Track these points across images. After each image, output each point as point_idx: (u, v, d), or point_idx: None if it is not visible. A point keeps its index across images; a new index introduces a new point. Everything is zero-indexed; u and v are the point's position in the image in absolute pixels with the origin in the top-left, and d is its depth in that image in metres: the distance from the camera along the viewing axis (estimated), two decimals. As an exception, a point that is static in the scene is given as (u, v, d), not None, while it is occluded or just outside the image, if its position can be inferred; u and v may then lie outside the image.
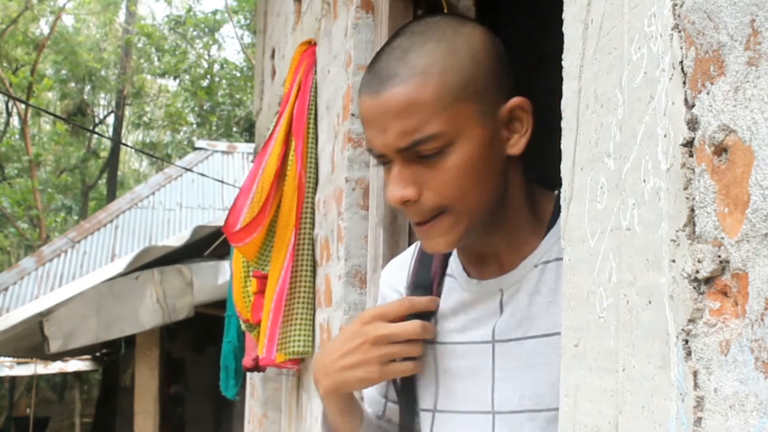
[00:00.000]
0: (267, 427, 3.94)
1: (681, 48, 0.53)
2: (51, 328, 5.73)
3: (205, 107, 18.75)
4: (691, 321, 0.50)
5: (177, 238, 6.58)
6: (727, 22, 0.49)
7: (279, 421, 3.71)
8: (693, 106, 0.51)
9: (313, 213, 2.61)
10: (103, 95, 21.53)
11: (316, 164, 2.63)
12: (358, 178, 2.16)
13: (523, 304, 1.02)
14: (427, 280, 1.13)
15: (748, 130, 0.47)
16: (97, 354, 11.02)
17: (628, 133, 0.60)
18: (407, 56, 0.96)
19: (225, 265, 5.81)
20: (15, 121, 20.17)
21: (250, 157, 8.49)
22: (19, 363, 11.02)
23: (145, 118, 20.20)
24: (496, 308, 1.04)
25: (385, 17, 2.02)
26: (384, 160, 0.99)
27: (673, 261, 0.52)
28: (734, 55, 0.48)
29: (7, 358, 10.52)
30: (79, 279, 7.85)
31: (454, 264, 1.11)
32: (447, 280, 1.11)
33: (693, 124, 0.51)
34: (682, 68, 0.53)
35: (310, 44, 2.82)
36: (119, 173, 21.35)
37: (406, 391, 1.14)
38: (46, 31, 19.55)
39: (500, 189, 0.99)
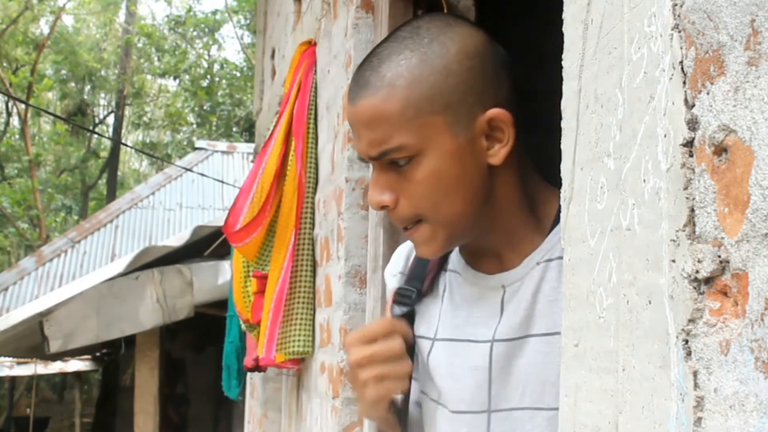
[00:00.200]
0: (267, 427, 3.94)
1: (681, 48, 0.53)
2: (51, 328, 5.73)
3: (205, 107, 18.75)
4: (691, 321, 0.50)
5: (177, 238, 6.58)
6: (727, 22, 0.49)
7: (279, 421, 3.71)
8: (693, 106, 0.52)
9: (313, 213, 2.61)
10: (103, 95, 21.53)
11: (316, 164, 2.63)
12: (358, 178, 2.16)
13: (525, 303, 1.01)
14: (423, 272, 1.13)
15: (748, 130, 0.47)
16: (97, 354, 11.02)
17: (628, 133, 0.60)
18: (381, 66, 0.96)
19: (225, 265, 5.81)
20: (15, 121, 20.18)
21: (250, 157, 8.49)
22: (19, 363, 11.02)
23: (145, 118, 20.20)
24: (497, 306, 1.04)
25: (385, 17, 2.02)
26: (369, 161, 1.00)
27: (673, 261, 0.52)
28: (734, 55, 0.48)
29: (7, 358, 10.52)
30: (79, 279, 7.85)
31: (456, 259, 1.11)
32: (449, 276, 1.11)
33: (693, 124, 0.51)
34: (682, 68, 0.53)
35: (310, 44, 2.81)
36: (119, 173, 21.35)
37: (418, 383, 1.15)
38: (46, 31, 19.55)
39: (481, 197, 0.98)
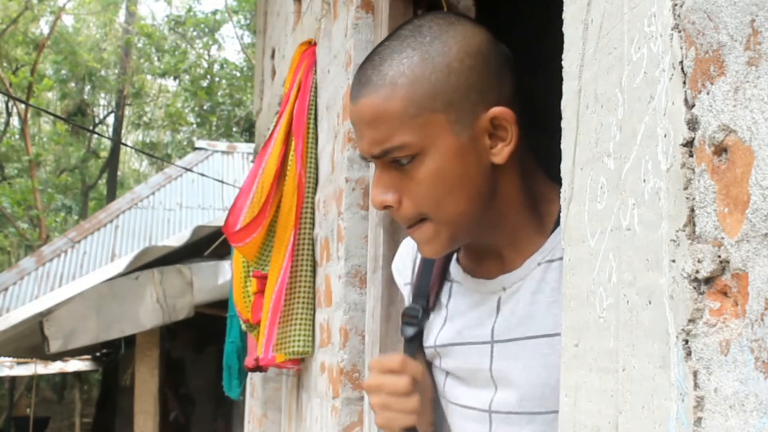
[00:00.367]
0: (267, 427, 3.94)
1: (681, 48, 0.53)
2: (51, 328, 5.73)
3: (205, 107, 18.75)
4: (691, 321, 0.50)
5: (177, 238, 6.57)
6: (727, 22, 0.49)
7: (279, 421, 3.71)
8: (693, 106, 0.51)
9: (313, 213, 2.61)
10: (103, 95, 21.53)
11: (316, 164, 2.63)
12: (358, 178, 2.16)
13: (524, 303, 1.01)
14: (426, 288, 1.14)
15: (748, 130, 0.47)
16: (97, 354, 11.02)
17: (628, 133, 0.60)
18: (383, 64, 0.96)
19: (225, 265, 5.81)
20: (15, 121, 20.17)
21: (250, 157, 8.50)
22: (19, 363, 11.02)
23: (145, 118, 20.20)
24: (493, 307, 1.04)
25: (385, 17, 2.02)
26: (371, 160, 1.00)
27: (673, 261, 0.52)
28: (734, 55, 0.48)
29: (7, 358, 10.52)
30: (79, 279, 7.85)
31: (454, 270, 1.11)
32: (453, 286, 1.11)
33: (693, 124, 0.51)
34: (682, 68, 0.53)
35: (310, 44, 2.81)
36: (119, 173, 21.35)
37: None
38: (46, 31, 19.54)
39: (485, 196, 0.98)
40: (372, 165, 2.07)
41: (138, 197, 13.04)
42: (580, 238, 0.68)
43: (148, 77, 20.79)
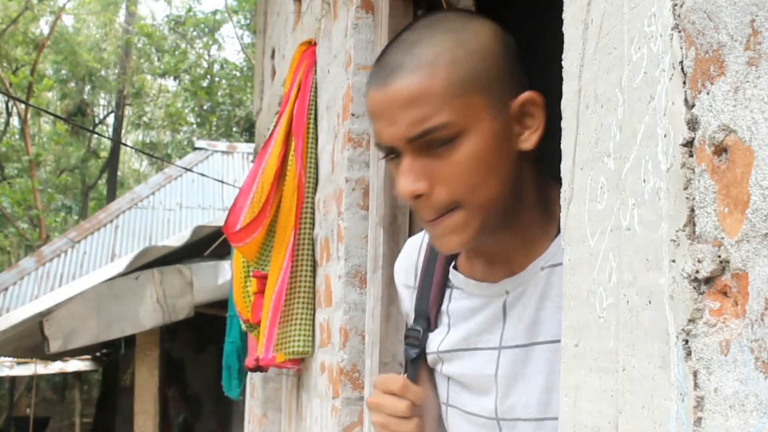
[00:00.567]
0: (267, 427, 3.94)
1: (681, 48, 0.53)
2: (51, 328, 5.73)
3: (205, 107, 18.75)
4: (691, 321, 0.50)
5: (177, 238, 6.58)
6: (727, 22, 0.49)
7: (279, 421, 3.71)
8: (693, 106, 0.51)
9: (313, 213, 2.61)
10: (103, 95, 21.53)
11: (316, 164, 2.63)
12: (358, 178, 2.16)
13: (531, 309, 1.00)
14: (425, 306, 1.12)
15: (748, 130, 0.47)
16: (97, 354, 11.02)
17: (628, 133, 0.60)
18: (415, 48, 0.95)
19: (225, 265, 5.81)
20: (15, 121, 20.17)
21: (250, 157, 8.49)
22: (19, 363, 11.02)
23: (145, 118, 20.20)
24: (499, 312, 1.03)
25: (385, 17, 2.02)
26: (393, 154, 0.97)
27: (673, 261, 0.52)
28: (734, 55, 0.48)
29: (7, 358, 10.52)
30: (79, 279, 7.85)
31: (453, 277, 1.10)
32: (453, 292, 1.10)
33: (693, 124, 0.51)
34: (682, 68, 0.53)
35: (310, 44, 2.81)
36: (119, 173, 21.35)
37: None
38: (46, 31, 19.54)
39: (512, 185, 0.97)
40: (371, 165, 2.08)
41: (138, 197, 13.04)
42: (580, 238, 0.68)
43: (148, 77, 20.79)
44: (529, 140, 0.97)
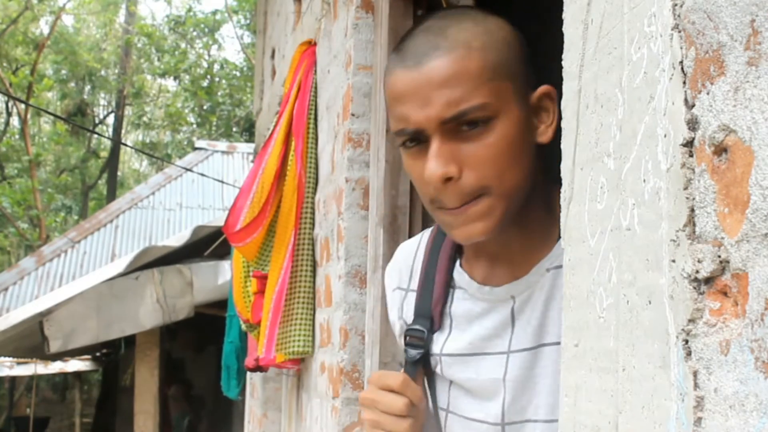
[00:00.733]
0: (267, 427, 3.94)
1: (681, 48, 0.53)
2: (51, 328, 5.73)
3: (205, 107, 18.74)
4: (691, 321, 0.50)
5: (177, 238, 6.58)
6: (727, 22, 0.49)
7: (279, 421, 3.71)
8: (693, 106, 0.51)
9: (313, 213, 2.61)
10: (103, 95, 21.53)
11: (316, 164, 2.63)
12: (358, 178, 2.16)
13: (538, 312, 0.99)
14: (428, 305, 1.10)
15: (748, 130, 0.47)
16: (97, 354, 11.02)
17: (628, 133, 0.60)
18: (447, 31, 0.95)
19: (225, 265, 5.81)
20: (15, 121, 20.17)
21: (250, 157, 8.50)
22: (19, 363, 11.02)
23: (145, 118, 20.19)
24: (507, 317, 1.02)
25: (385, 17, 2.02)
26: (413, 142, 0.96)
27: (673, 261, 0.52)
28: (734, 55, 0.48)
29: (7, 358, 10.52)
30: (79, 279, 7.85)
31: (459, 276, 1.08)
32: (456, 292, 1.08)
33: (693, 124, 0.51)
34: (682, 68, 0.53)
35: (310, 44, 2.81)
36: (119, 173, 21.35)
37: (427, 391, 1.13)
38: (46, 31, 19.54)
39: (531, 177, 0.97)
40: (371, 165, 2.08)
41: (138, 197, 13.04)
42: (580, 238, 0.68)
43: (148, 77, 20.78)
44: (545, 134, 0.98)
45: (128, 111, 20.77)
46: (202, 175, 10.61)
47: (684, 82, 0.52)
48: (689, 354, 0.50)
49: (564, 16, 0.73)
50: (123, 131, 20.68)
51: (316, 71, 2.70)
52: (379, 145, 2.02)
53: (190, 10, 20.39)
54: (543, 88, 0.98)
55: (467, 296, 1.07)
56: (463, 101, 0.92)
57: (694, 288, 0.50)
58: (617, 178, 0.61)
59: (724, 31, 0.49)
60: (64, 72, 19.67)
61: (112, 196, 18.41)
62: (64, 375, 14.46)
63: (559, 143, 0.73)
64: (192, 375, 9.94)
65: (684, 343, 0.51)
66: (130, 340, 7.74)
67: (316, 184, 2.62)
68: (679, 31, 0.53)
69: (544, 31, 1.59)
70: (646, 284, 0.56)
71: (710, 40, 0.50)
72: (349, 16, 2.24)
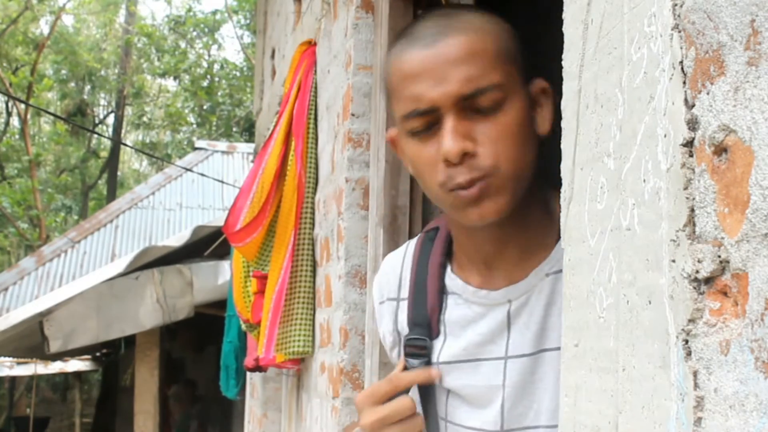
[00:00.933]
0: (267, 427, 3.94)
1: (681, 48, 0.53)
2: (51, 328, 5.73)
3: (205, 107, 18.74)
4: (691, 321, 0.50)
5: (177, 238, 6.57)
6: (727, 22, 0.49)
7: (279, 421, 3.71)
8: (693, 106, 0.51)
9: (313, 213, 2.61)
10: (103, 95, 21.52)
11: (316, 164, 2.63)
12: (358, 178, 2.16)
13: (537, 317, 0.99)
14: (423, 312, 1.09)
15: (748, 130, 0.47)
16: (97, 354, 11.02)
17: (628, 133, 0.60)
18: (458, 15, 0.98)
19: (225, 265, 5.81)
20: (15, 121, 20.17)
21: (250, 157, 8.49)
22: (19, 363, 11.02)
23: (145, 118, 20.19)
24: (503, 322, 1.01)
25: (385, 17, 2.02)
26: (428, 121, 0.96)
27: (673, 261, 0.52)
28: (734, 55, 0.48)
29: (7, 358, 10.52)
30: (79, 279, 7.85)
31: (451, 281, 1.07)
32: (449, 298, 1.07)
33: (693, 124, 0.51)
34: (682, 68, 0.53)
35: (310, 44, 2.81)
36: (119, 173, 21.34)
37: (425, 401, 1.11)
38: (46, 31, 19.53)
39: (534, 168, 0.98)
40: (371, 165, 2.08)
41: (138, 197, 13.04)
42: (580, 238, 0.68)
43: (148, 77, 20.78)
44: (543, 125, 0.99)
45: (128, 111, 20.77)
46: (202, 175, 10.60)
47: (684, 82, 0.52)
48: (689, 354, 0.50)
49: (564, 16, 0.73)
50: (123, 131, 20.67)
51: (316, 71, 2.70)
52: (379, 145, 2.02)
53: (190, 10, 20.39)
54: (541, 83, 0.99)
55: (461, 301, 1.05)
56: (480, 78, 0.93)
57: (694, 288, 0.50)
58: (617, 178, 0.61)
59: (724, 31, 0.49)
60: (64, 72, 19.67)
61: (112, 196, 18.40)
62: (64, 375, 14.46)
63: (559, 146, 0.73)
64: (192, 375, 9.94)
65: (684, 343, 0.51)
66: (130, 340, 7.74)
67: (316, 184, 2.62)
68: (679, 31, 0.53)
69: (544, 31, 1.59)
70: (646, 284, 0.56)
71: (710, 40, 0.50)
72: (349, 16, 2.24)
